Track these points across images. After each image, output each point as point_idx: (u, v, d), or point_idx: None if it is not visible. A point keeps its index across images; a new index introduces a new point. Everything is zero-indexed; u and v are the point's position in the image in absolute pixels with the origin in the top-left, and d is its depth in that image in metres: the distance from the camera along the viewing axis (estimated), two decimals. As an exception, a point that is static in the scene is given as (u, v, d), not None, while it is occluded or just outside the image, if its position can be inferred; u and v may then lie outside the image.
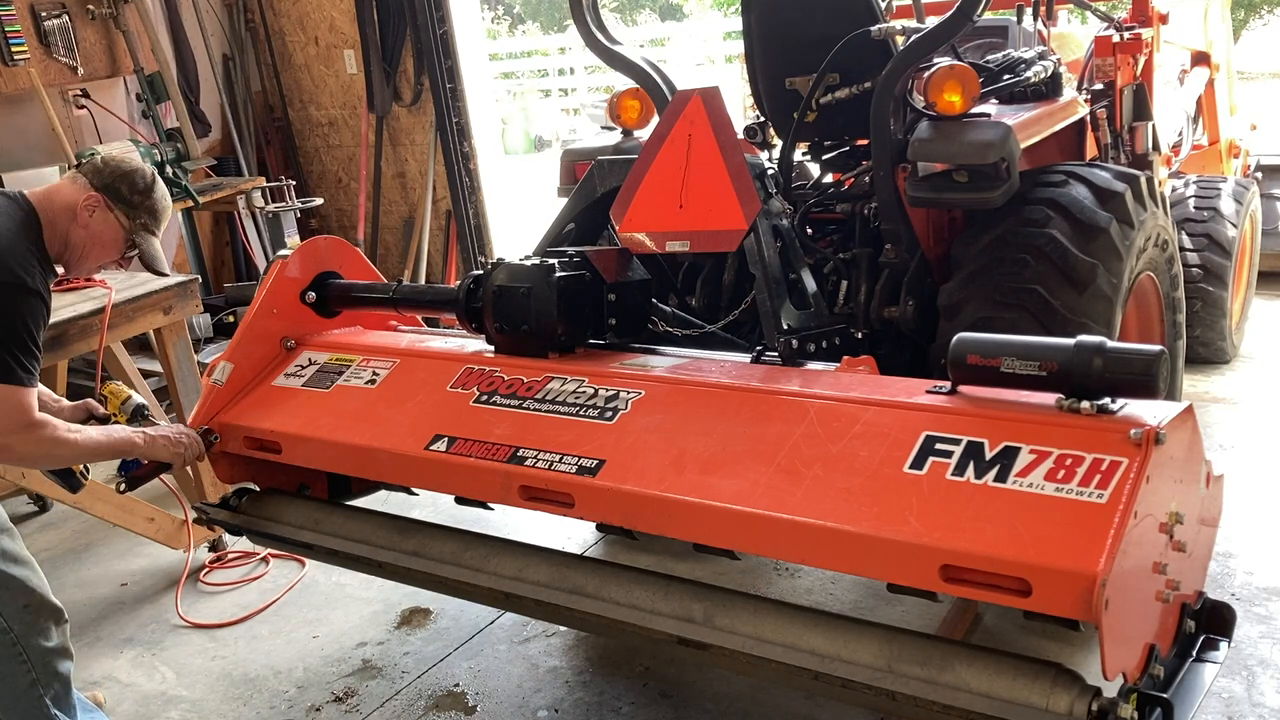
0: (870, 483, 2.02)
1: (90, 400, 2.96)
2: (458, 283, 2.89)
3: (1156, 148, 4.51)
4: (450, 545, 2.64)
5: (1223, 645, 2.11)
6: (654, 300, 2.97)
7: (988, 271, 3.14)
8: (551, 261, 2.69)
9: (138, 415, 2.95)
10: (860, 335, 3.28)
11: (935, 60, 3.27)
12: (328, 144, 7.63)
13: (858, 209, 3.46)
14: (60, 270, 2.79)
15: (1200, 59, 5.82)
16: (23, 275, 2.54)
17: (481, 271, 2.83)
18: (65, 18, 5.96)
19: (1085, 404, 1.96)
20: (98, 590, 4.14)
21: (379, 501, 3.14)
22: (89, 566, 4.34)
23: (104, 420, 2.94)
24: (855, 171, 3.57)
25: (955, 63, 3.26)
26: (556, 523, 3.81)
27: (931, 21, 3.33)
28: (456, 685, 3.31)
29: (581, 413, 2.45)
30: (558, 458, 2.34)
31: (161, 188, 2.85)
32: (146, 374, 4.66)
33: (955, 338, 2.13)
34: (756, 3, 3.57)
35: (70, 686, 2.82)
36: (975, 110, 3.22)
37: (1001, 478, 1.92)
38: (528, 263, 2.74)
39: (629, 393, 2.46)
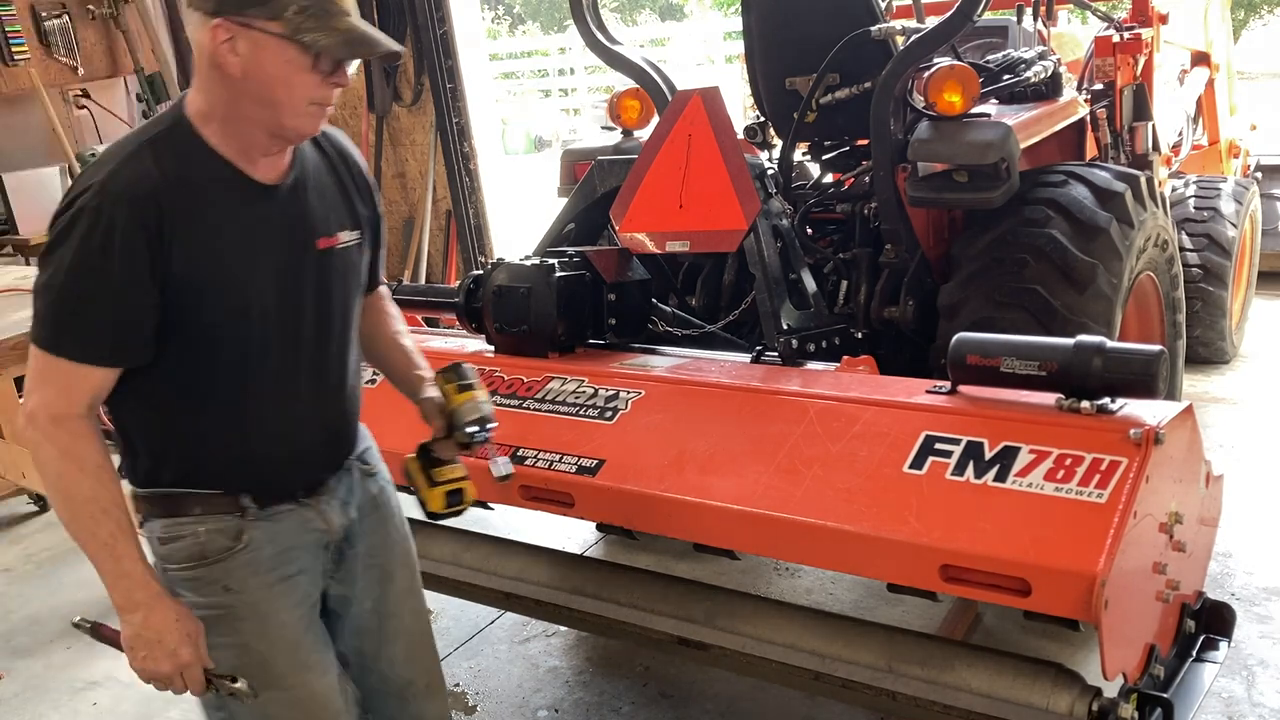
0: (870, 483, 2.02)
1: (436, 383, 2.11)
2: (458, 283, 2.89)
3: (1156, 148, 4.50)
4: (450, 545, 2.64)
5: (1223, 645, 2.12)
6: (654, 300, 2.97)
7: (988, 271, 3.14)
8: (551, 261, 2.70)
9: (472, 433, 2.05)
10: (860, 335, 3.28)
11: (935, 60, 3.27)
12: (328, 144, 7.63)
13: (858, 209, 3.46)
14: (280, 153, 1.80)
15: (1200, 59, 5.82)
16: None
17: (481, 271, 2.83)
18: (65, 18, 5.96)
19: (1085, 404, 1.96)
20: (99, 590, 4.04)
21: (379, 501, 3.14)
22: (90, 566, 4.33)
23: (445, 417, 2.08)
24: (855, 171, 3.57)
25: (955, 63, 3.26)
26: (556, 523, 3.80)
27: (931, 21, 3.33)
28: (456, 685, 3.31)
29: (581, 412, 2.45)
30: (557, 457, 2.34)
31: None
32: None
33: (955, 338, 2.14)
34: (756, 3, 3.57)
35: None
36: (975, 110, 3.21)
37: (1001, 477, 1.92)
38: (528, 263, 2.74)
39: (629, 392, 2.46)
